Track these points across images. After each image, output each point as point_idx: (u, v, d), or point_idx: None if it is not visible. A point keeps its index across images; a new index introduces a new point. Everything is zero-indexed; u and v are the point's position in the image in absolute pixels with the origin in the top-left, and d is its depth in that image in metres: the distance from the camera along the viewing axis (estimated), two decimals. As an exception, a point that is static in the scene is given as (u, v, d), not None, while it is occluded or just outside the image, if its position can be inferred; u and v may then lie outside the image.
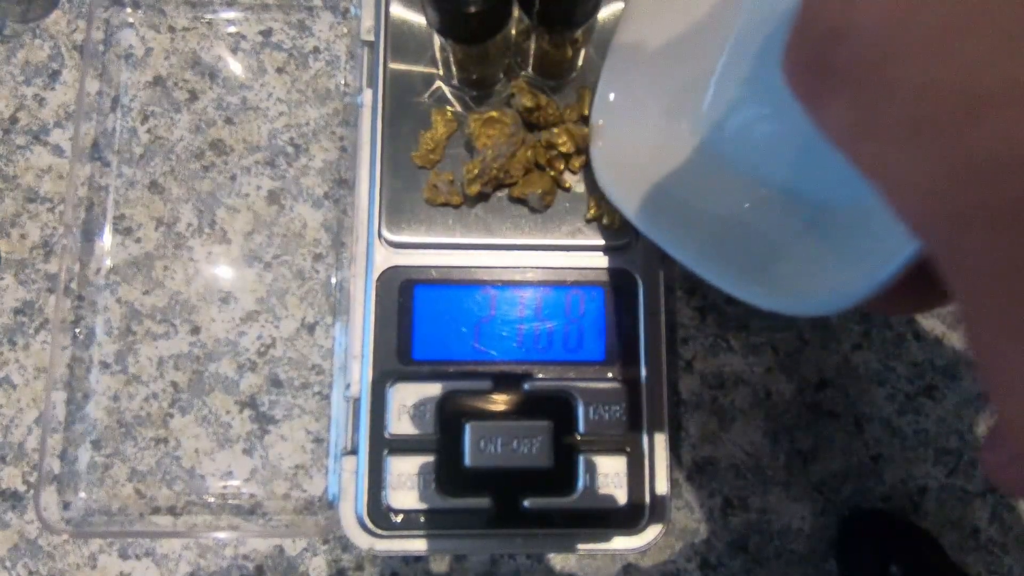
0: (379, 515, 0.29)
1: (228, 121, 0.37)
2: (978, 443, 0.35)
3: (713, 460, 0.35)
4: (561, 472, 0.29)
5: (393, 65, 0.32)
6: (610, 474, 0.29)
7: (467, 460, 0.29)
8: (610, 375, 0.30)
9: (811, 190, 0.25)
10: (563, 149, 0.30)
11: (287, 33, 0.38)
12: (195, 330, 0.35)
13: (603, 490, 0.29)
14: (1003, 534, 0.35)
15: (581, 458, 0.29)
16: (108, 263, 0.35)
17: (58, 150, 0.37)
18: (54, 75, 0.37)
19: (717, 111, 0.28)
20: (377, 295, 0.30)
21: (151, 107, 0.37)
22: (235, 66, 0.37)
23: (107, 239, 0.35)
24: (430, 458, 0.29)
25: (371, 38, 0.32)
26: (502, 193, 0.31)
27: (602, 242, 0.31)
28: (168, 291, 0.35)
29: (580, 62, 0.31)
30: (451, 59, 0.29)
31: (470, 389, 0.30)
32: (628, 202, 0.28)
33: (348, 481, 0.29)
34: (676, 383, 0.35)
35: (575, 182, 0.31)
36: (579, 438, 0.30)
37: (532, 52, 0.30)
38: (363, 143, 0.32)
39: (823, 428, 0.35)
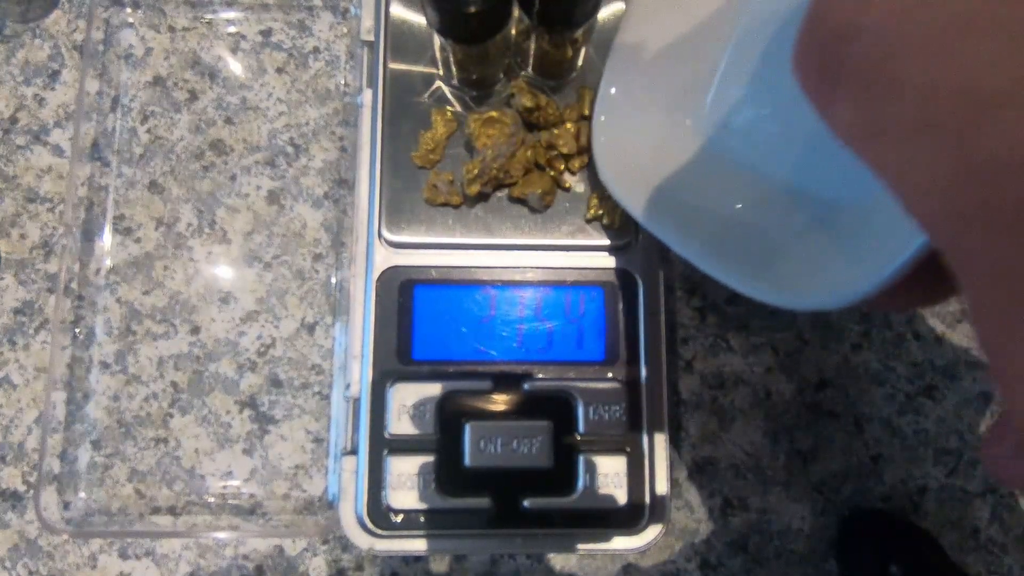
0: (379, 515, 0.29)
1: (228, 121, 0.37)
2: (978, 443, 0.35)
3: (713, 460, 0.35)
4: (561, 472, 0.29)
5: (393, 65, 0.32)
6: (610, 474, 0.29)
7: (467, 460, 0.29)
8: (610, 375, 0.30)
9: (815, 187, 0.25)
10: (563, 150, 0.30)
11: (287, 33, 0.38)
12: (195, 330, 0.35)
13: (603, 490, 0.29)
14: (1003, 534, 0.35)
15: (581, 458, 0.29)
16: (108, 263, 0.35)
17: (58, 150, 0.37)
18: (54, 75, 0.37)
19: (720, 108, 0.28)
20: (377, 295, 0.30)
21: (151, 107, 0.37)
22: (235, 66, 0.37)
23: (107, 239, 0.35)
24: (430, 458, 0.29)
25: (371, 38, 0.32)
26: (502, 193, 0.31)
27: (602, 242, 0.31)
28: (168, 291, 0.35)
29: (580, 62, 0.31)
30: (451, 59, 0.29)
31: (470, 389, 0.30)
32: (631, 198, 0.28)
33: (348, 481, 0.29)
34: (676, 383, 0.35)
35: (575, 182, 0.31)
36: (579, 438, 0.30)
37: (532, 52, 0.30)
38: (363, 143, 0.32)
39: (823, 428, 0.35)
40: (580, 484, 0.29)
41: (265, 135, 0.37)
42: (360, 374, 0.30)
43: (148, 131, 0.36)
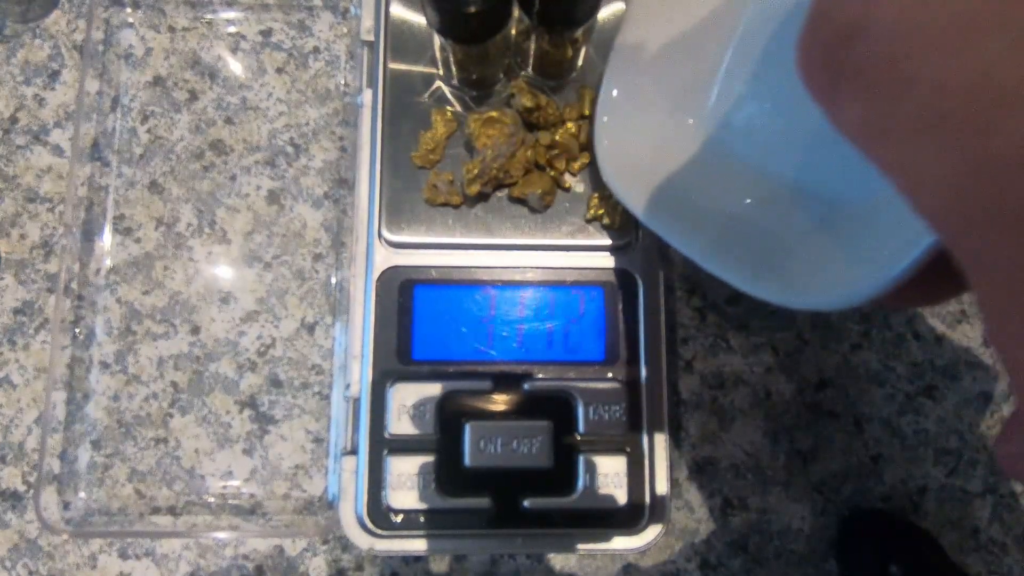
0: (379, 515, 0.29)
1: (228, 121, 0.37)
2: (978, 443, 0.35)
3: (713, 460, 0.35)
4: (561, 472, 0.29)
5: (393, 65, 0.32)
6: (610, 474, 0.29)
7: (467, 460, 0.29)
8: (610, 375, 0.30)
9: (820, 186, 0.25)
10: (563, 150, 0.30)
11: (287, 33, 0.38)
12: (195, 330, 0.35)
13: (603, 490, 0.29)
14: (1003, 534, 0.35)
15: (581, 458, 0.29)
16: (108, 263, 0.35)
17: (58, 150, 0.37)
18: (54, 75, 0.37)
19: (723, 107, 0.28)
20: (377, 295, 0.30)
21: (151, 107, 0.37)
22: (235, 66, 0.37)
23: (107, 239, 0.35)
24: (430, 458, 0.29)
25: (371, 38, 0.32)
26: (502, 193, 0.31)
27: (602, 242, 0.31)
28: (168, 291, 0.35)
29: (580, 62, 0.31)
30: (451, 59, 0.29)
31: (470, 389, 0.30)
32: (634, 198, 0.28)
33: (348, 481, 0.29)
34: (676, 383, 0.35)
35: (575, 182, 0.31)
36: (579, 438, 0.30)
37: (532, 52, 0.30)
38: (363, 143, 0.32)
39: (823, 428, 0.35)
40: (580, 484, 0.29)
41: (265, 135, 0.37)
42: (360, 374, 0.30)
43: (148, 131, 0.36)
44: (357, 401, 0.30)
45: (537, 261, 0.31)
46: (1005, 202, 0.11)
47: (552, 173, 0.31)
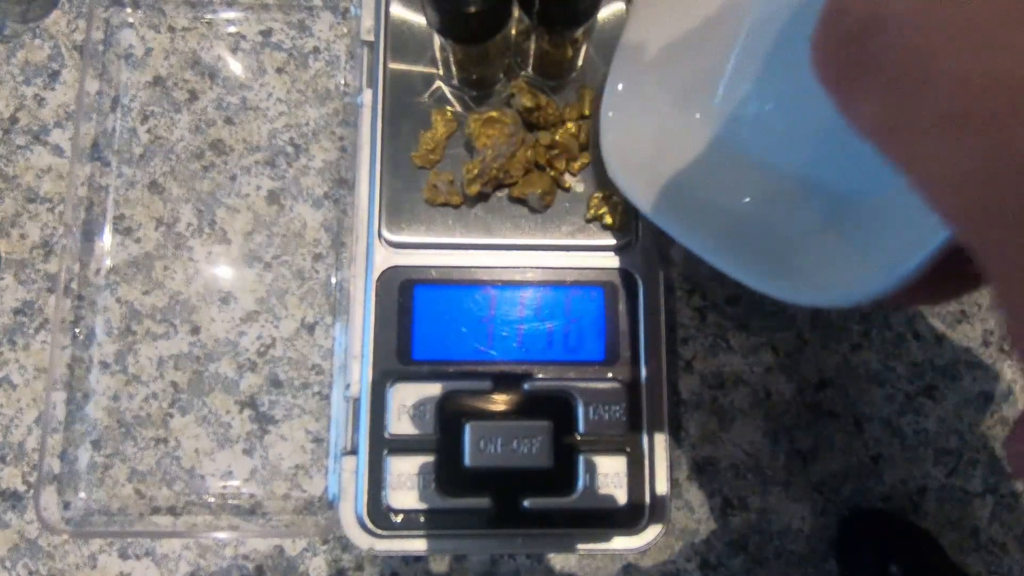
0: (379, 515, 0.29)
1: (228, 121, 0.37)
2: (978, 443, 0.35)
3: (713, 460, 0.35)
4: (561, 472, 0.29)
5: (393, 65, 0.32)
6: (610, 474, 0.29)
7: (467, 460, 0.29)
8: (610, 375, 0.30)
9: (828, 181, 0.25)
10: (563, 150, 0.30)
11: (287, 33, 0.38)
12: (195, 330, 0.35)
13: (603, 490, 0.29)
14: (1003, 534, 0.35)
15: (581, 458, 0.29)
16: (108, 263, 0.35)
17: (58, 150, 0.37)
18: (54, 75, 0.37)
19: (730, 102, 0.28)
20: (377, 295, 0.30)
21: (151, 107, 0.37)
22: (235, 66, 0.37)
23: (107, 239, 0.35)
24: (430, 458, 0.29)
25: (371, 38, 0.32)
26: (502, 193, 0.31)
27: (602, 242, 0.31)
28: (168, 291, 0.35)
29: (580, 62, 0.31)
30: (451, 59, 0.29)
31: (470, 389, 0.30)
32: (640, 194, 0.27)
33: (348, 481, 0.29)
34: (676, 383, 0.35)
35: (575, 182, 0.31)
36: (579, 438, 0.30)
37: (532, 52, 0.30)
38: (363, 143, 0.32)
39: (823, 428, 0.35)
40: (580, 484, 0.29)
41: (265, 135, 0.37)
42: (360, 374, 0.30)
43: (148, 131, 0.36)
44: (357, 401, 0.30)
45: (537, 261, 0.31)
46: None
47: (552, 173, 0.31)
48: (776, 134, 0.27)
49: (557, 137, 0.30)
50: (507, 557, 0.34)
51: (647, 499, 0.29)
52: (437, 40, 0.30)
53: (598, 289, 0.31)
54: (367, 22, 0.32)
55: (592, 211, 0.31)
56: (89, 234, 0.35)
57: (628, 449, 0.30)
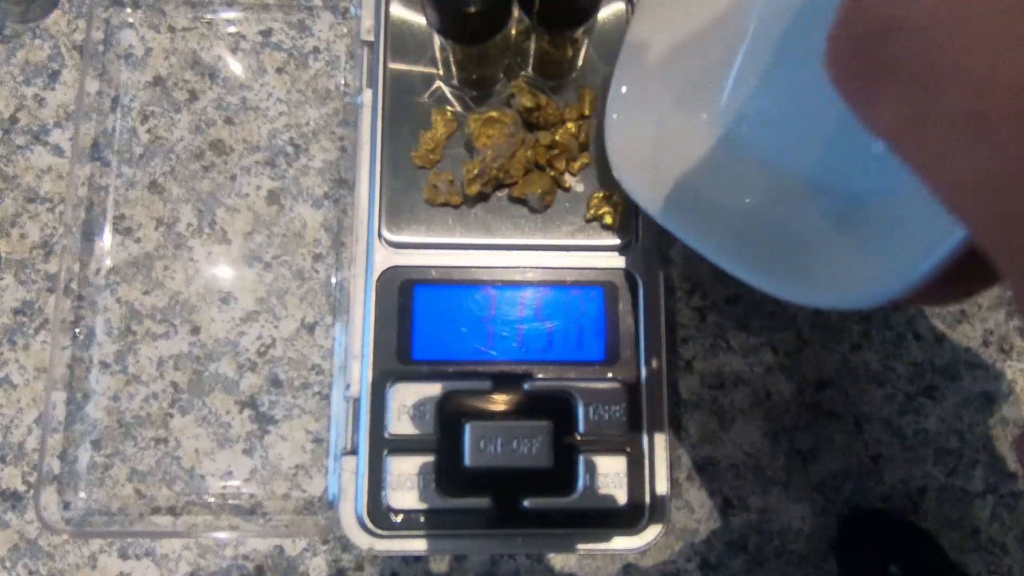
0: (379, 515, 0.29)
1: (228, 121, 0.37)
2: (978, 443, 0.35)
3: (713, 460, 0.35)
4: (561, 472, 0.29)
5: (393, 65, 0.32)
6: (610, 474, 0.29)
7: (467, 460, 0.29)
8: (610, 375, 0.30)
9: (840, 180, 0.25)
10: (563, 150, 0.30)
11: (287, 33, 0.38)
12: (195, 330, 0.35)
13: (603, 490, 0.29)
14: (1003, 534, 0.35)
15: (581, 458, 0.29)
16: (108, 263, 0.35)
17: (58, 150, 0.37)
18: (54, 75, 0.37)
19: (737, 102, 0.28)
20: (377, 295, 0.30)
21: (151, 107, 0.37)
22: (235, 66, 0.37)
23: (107, 239, 0.35)
24: (430, 458, 0.29)
25: (371, 38, 0.32)
26: (502, 193, 0.31)
27: (602, 242, 0.31)
28: (168, 291, 0.35)
29: (580, 62, 0.31)
30: (451, 59, 0.29)
31: (470, 389, 0.30)
32: (648, 197, 0.27)
33: (348, 481, 0.29)
34: (676, 383, 0.35)
35: (575, 182, 0.31)
36: (579, 438, 0.30)
37: (532, 52, 0.30)
38: (363, 143, 0.32)
39: (823, 428, 0.35)
40: (580, 484, 0.29)
41: (265, 135, 0.37)
42: (360, 374, 0.30)
43: (148, 131, 0.36)
44: (357, 401, 0.30)
45: (537, 261, 0.31)
46: None
47: (552, 173, 0.31)
48: (784, 133, 0.27)
49: (557, 137, 0.30)
50: (507, 557, 0.34)
51: (647, 499, 0.29)
52: (437, 40, 0.30)
53: (598, 289, 0.31)
54: (367, 22, 0.32)
55: (592, 211, 0.31)
56: (89, 234, 0.35)
57: (628, 449, 0.30)
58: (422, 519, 0.29)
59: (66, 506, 0.33)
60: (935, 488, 0.35)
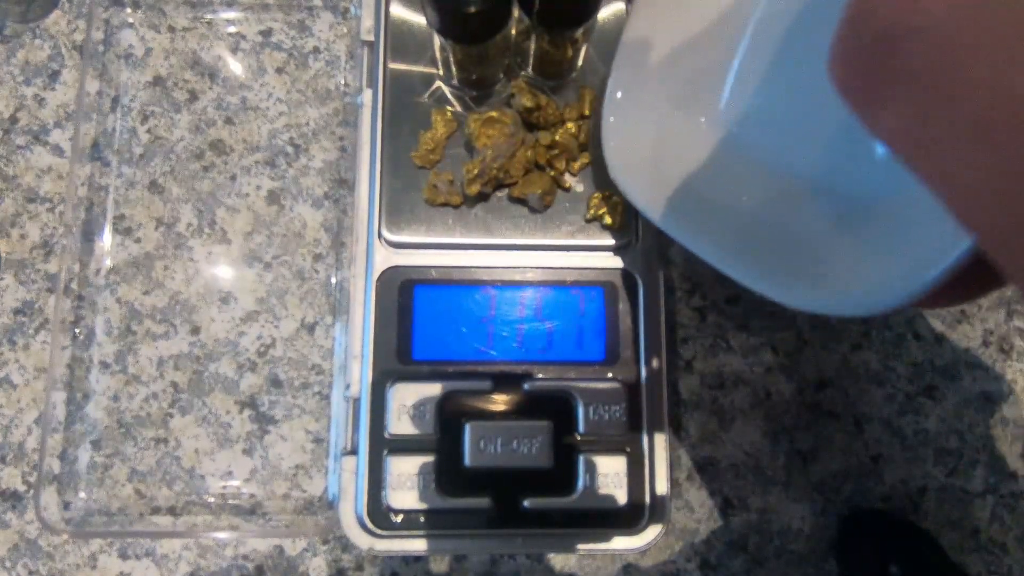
0: (379, 515, 0.29)
1: (228, 121, 0.37)
2: (978, 443, 0.35)
3: (713, 460, 0.35)
4: (561, 472, 0.29)
5: (393, 65, 0.32)
6: (610, 474, 0.29)
7: (467, 460, 0.29)
8: (610, 375, 0.30)
9: (843, 183, 0.24)
10: (563, 150, 0.30)
11: (287, 33, 0.38)
12: (195, 330, 0.35)
13: (603, 490, 0.29)
14: (1003, 534, 0.35)
15: (581, 458, 0.29)
16: (108, 263, 0.35)
17: (58, 150, 0.37)
18: (54, 75, 0.37)
19: (736, 104, 0.27)
20: (377, 295, 0.30)
21: (151, 107, 0.37)
22: (235, 66, 0.37)
23: (107, 239, 0.35)
24: (430, 458, 0.29)
25: (371, 38, 0.32)
26: (502, 193, 0.31)
27: (602, 242, 0.31)
28: (168, 291, 0.35)
29: (580, 62, 0.31)
30: (451, 59, 0.29)
31: (470, 389, 0.30)
32: (647, 200, 0.27)
33: (348, 481, 0.29)
34: (676, 383, 0.35)
35: (575, 182, 0.31)
36: (579, 438, 0.30)
37: (532, 52, 0.30)
38: (363, 143, 0.32)
39: (823, 428, 0.35)
40: (580, 484, 0.29)
41: (265, 135, 0.37)
42: (360, 374, 0.30)
43: (148, 131, 0.36)
44: (357, 401, 0.30)
45: (537, 261, 0.31)
46: None
47: (552, 173, 0.31)
48: (785, 134, 0.26)
49: (557, 137, 0.30)
50: (507, 557, 0.34)
51: (647, 499, 0.29)
52: (437, 40, 0.30)
53: (598, 289, 0.31)
54: (367, 22, 0.32)
55: (592, 211, 0.31)
56: (89, 234, 0.35)
57: (628, 449, 0.30)
58: (422, 519, 0.29)
59: (66, 506, 0.33)
60: (935, 488, 0.35)
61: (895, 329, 0.36)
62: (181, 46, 0.37)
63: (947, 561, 0.33)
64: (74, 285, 0.35)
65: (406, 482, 0.29)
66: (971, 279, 0.17)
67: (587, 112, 0.31)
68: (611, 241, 0.31)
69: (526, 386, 0.30)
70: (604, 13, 0.32)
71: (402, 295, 0.30)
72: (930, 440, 0.35)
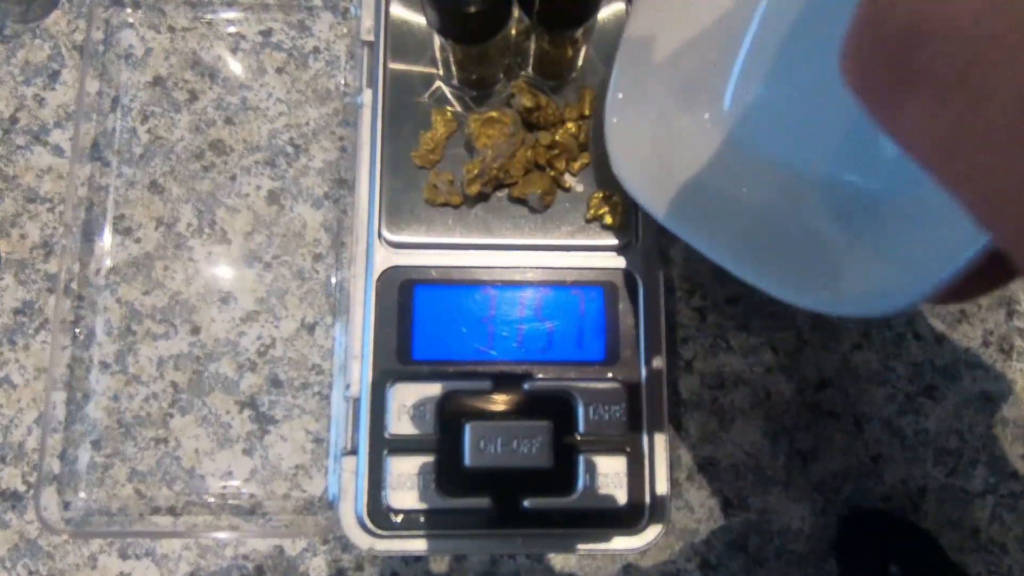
0: (379, 515, 0.29)
1: (228, 121, 0.37)
2: (978, 443, 0.35)
3: (713, 460, 0.35)
4: (561, 472, 0.29)
5: (393, 65, 0.32)
6: (610, 474, 0.29)
7: (467, 460, 0.29)
8: (610, 375, 0.30)
9: (853, 180, 0.24)
10: (563, 150, 0.30)
11: (287, 33, 0.38)
12: (195, 330, 0.35)
13: (603, 490, 0.29)
14: (1003, 534, 0.35)
15: (581, 458, 0.29)
16: (108, 263, 0.35)
17: (58, 150, 0.37)
18: (54, 75, 0.37)
19: (742, 101, 0.27)
20: (377, 295, 0.30)
21: (151, 107, 0.37)
22: (235, 66, 0.37)
23: (107, 239, 0.35)
24: (430, 458, 0.29)
25: (371, 38, 0.32)
26: (502, 193, 0.31)
27: (602, 242, 0.31)
28: (168, 291, 0.35)
29: (580, 62, 0.31)
30: (451, 59, 0.29)
31: (470, 389, 0.30)
32: (652, 199, 0.26)
33: (348, 481, 0.29)
34: (676, 383, 0.35)
35: (575, 182, 0.31)
36: (579, 438, 0.30)
37: (532, 52, 0.30)
38: (363, 143, 0.32)
39: (823, 428, 0.35)
40: (580, 484, 0.29)
41: (265, 135, 0.37)
42: (360, 374, 0.30)
43: (148, 131, 0.36)
44: (357, 401, 0.30)
45: (537, 261, 0.31)
46: None
47: (552, 173, 0.31)
48: (791, 132, 0.26)
49: (557, 137, 0.30)
50: (507, 557, 0.34)
51: (647, 499, 0.29)
52: (437, 40, 0.30)
53: (598, 289, 0.31)
54: (367, 22, 0.32)
55: (592, 211, 0.31)
56: (89, 234, 0.35)
57: (628, 449, 0.30)
58: (422, 519, 0.29)
59: (66, 506, 0.33)
60: (935, 488, 0.35)
61: (895, 329, 0.36)
62: (181, 46, 0.37)
63: (947, 561, 0.33)
64: (74, 285, 0.35)
65: (406, 482, 0.29)
66: (982, 276, 0.17)
67: (587, 112, 0.31)
68: (611, 241, 0.31)
69: (526, 386, 0.30)
70: (604, 13, 0.32)
71: (402, 295, 0.30)
72: (930, 440, 0.35)
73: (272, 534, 0.33)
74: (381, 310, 0.30)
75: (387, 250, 0.30)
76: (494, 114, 0.30)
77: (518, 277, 0.31)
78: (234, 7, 0.38)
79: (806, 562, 0.34)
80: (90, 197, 0.36)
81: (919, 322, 0.36)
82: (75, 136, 0.35)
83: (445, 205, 0.30)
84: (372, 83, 0.32)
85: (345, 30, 0.38)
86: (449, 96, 0.31)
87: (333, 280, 0.35)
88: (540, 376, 0.30)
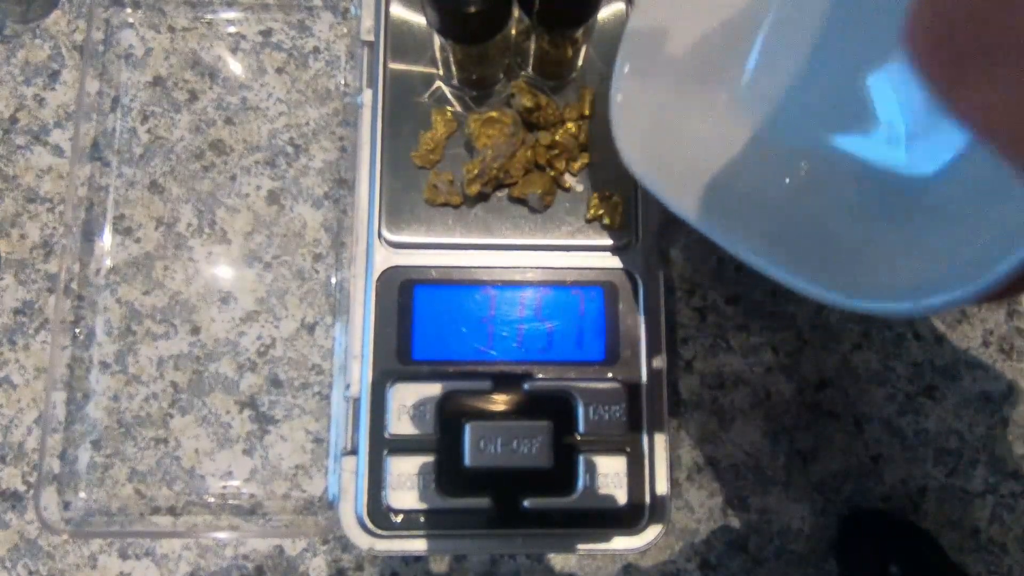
0: (379, 515, 0.29)
1: (228, 121, 0.37)
2: (978, 443, 0.35)
3: (713, 460, 0.35)
4: (561, 472, 0.29)
5: (393, 65, 0.32)
6: (610, 474, 0.29)
7: (467, 460, 0.29)
8: (610, 375, 0.30)
9: (889, 167, 0.22)
10: (563, 150, 0.30)
11: (287, 33, 0.38)
12: (195, 330, 0.35)
13: (603, 490, 0.29)
14: (1003, 534, 0.35)
15: (581, 458, 0.29)
16: (108, 263, 0.35)
17: (58, 150, 0.37)
18: (54, 75, 0.37)
19: (762, 81, 0.24)
20: (377, 295, 0.30)
21: (151, 107, 0.37)
22: (235, 66, 0.37)
23: (107, 239, 0.35)
24: (430, 458, 0.29)
25: (371, 38, 0.32)
26: (502, 193, 0.31)
27: (602, 242, 0.31)
28: (168, 291, 0.35)
29: (580, 62, 0.31)
30: (451, 59, 0.29)
31: (470, 389, 0.30)
32: (670, 192, 0.23)
33: (348, 481, 0.29)
34: (676, 383, 0.35)
35: (575, 182, 0.31)
36: (579, 438, 0.30)
37: (532, 52, 0.30)
38: (363, 143, 0.32)
39: (823, 428, 0.35)
40: (580, 484, 0.29)
41: (265, 135, 0.37)
42: (360, 374, 0.30)
43: (148, 131, 0.36)
44: (357, 401, 0.30)
45: (537, 261, 0.31)
46: None
47: (552, 173, 0.31)
48: (817, 114, 0.23)
49: (557, 137, 0.30)
50: (507, 557, 0.34)
51: (647, 499, 0.29)
52: (437, 40, 0.30)
53: (598, 289, 0.31)
54: (367, 22, 0.32)
55: (592, 211, 0.31)
56: (89, 234, 0.35)
57: (628, 449, 0.30)
58: (422, 519, 0.29)
59: (66, 506, 0.33)
60: (935, 488, 0.35)
61: (895, 329, 0.36)
62: (181, 46, 0.37)
63: (947, 561, 0.33)
64: (74, 285, 0.35)
65: (406, 482, 0.29)
66: None
67: (587, 112, 0.31)
68: (611, 241, 0.31)
69: (526, 386, 0.30)
70: (604, 13, 0.32)
71: (402, 295, 0.30)
72: (930, 440, 0.35)
73: (272, 534, 0.33)
74: (381, 310, 0.30)
75: (387, 250, 0.30)
76: (494, 114, 0.30)
77: (518, 277, 0.31)
78: (234, 7, 0.38)
79: (806, 562, 0.34)
80: (90, 197, 0.36)
81: (919, 322, 0.36)
82: (75, 136, 0.35)
83: (445, 205, 0.30)
84: (372, 83, 0.32)
85: (345, 30, 0.38)
86: (449, 96, 0.32)
87: (333, 280, 0.35)
88: (540, 376, 0.30)
